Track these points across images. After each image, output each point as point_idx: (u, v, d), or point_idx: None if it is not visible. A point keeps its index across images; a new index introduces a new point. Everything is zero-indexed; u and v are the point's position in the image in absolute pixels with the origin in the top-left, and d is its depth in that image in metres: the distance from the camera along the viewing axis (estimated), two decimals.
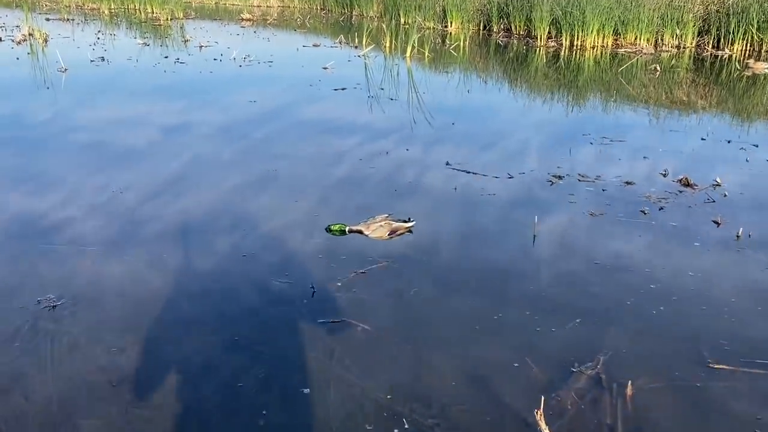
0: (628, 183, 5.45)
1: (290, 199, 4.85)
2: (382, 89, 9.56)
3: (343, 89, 9.39)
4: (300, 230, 4.26)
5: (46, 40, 14.08)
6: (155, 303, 3.19)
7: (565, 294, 3.54)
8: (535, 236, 4.30)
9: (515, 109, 8.66)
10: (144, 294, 3.29)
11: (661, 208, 4.88)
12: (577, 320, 3.24)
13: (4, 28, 16.49)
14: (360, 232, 4.20)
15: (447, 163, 5.89)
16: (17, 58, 11.74)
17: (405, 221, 4.34)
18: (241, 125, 7.15)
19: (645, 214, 4.75)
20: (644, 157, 6.27)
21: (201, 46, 13.96)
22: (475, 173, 5.63)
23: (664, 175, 5.67)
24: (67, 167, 5.42)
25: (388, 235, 4.19)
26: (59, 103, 8.11)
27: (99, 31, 16.49)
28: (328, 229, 4.20)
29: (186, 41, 14.95)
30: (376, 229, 4.19)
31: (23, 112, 7.56)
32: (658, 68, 11.79)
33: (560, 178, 5.57)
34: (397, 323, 3.18)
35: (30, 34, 14.45)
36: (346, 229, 4.21)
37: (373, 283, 3.54)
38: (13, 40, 14.00)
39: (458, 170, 5.71)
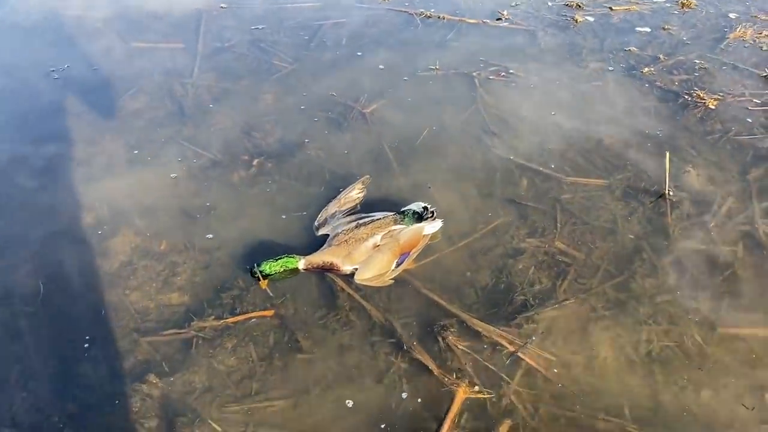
0: (684, 4, 3.31)
1: None
2: None
3: None
4: None
5: None
6: None
7: None
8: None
9: None
10: None
11: None
12: None
13: None
14: (331, 268, 1.83)
15: None
16: None
17: (421, 215, 1.96)
18: None
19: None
20: None
21: None
22: (442, 16, 3.14)
23: None
24: None
25: (396, 265, 1.85)
26: None
27: None
28: (259, 274, 1.78)
29: None
30: (371, 259, 1.82)
31: None
32: None
33: (579, 6, 3.28)
34: None
35: None
36: (299, 264, 1.81)
37: None
38: None
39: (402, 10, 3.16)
